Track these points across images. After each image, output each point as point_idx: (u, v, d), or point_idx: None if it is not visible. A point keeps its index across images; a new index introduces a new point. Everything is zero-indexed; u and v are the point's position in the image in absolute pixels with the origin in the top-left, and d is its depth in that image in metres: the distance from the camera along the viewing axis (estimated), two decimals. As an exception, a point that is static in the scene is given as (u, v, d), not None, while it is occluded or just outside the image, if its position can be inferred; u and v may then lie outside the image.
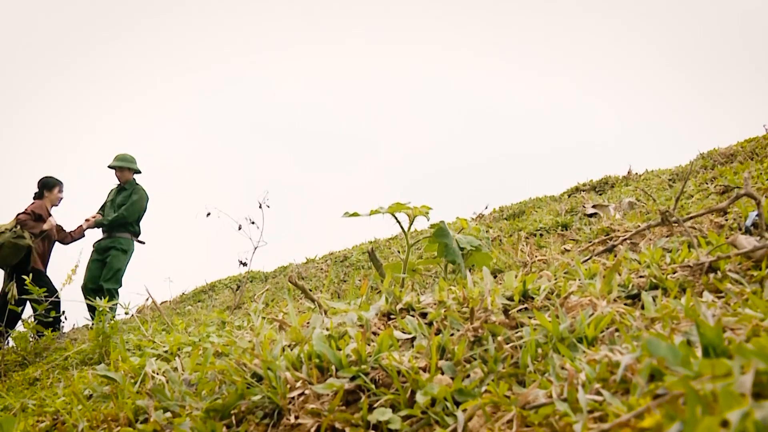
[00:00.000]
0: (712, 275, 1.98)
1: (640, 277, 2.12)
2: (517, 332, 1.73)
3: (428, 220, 3.39)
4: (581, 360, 1.39)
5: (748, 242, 2.12)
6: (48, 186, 9.89)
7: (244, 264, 9.31)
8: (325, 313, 2.32)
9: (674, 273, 2.09)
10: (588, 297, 1.85)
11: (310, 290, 3.58)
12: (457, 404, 1.40)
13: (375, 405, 1.48)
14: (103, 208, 10.27)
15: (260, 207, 10.22)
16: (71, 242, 10.13)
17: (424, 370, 1.57)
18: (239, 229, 9.83)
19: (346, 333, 1.86)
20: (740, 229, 2.70)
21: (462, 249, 3.26)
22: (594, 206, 5.58)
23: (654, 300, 1.85)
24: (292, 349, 1.82)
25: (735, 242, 2.17)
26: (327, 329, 1.90)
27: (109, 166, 10.32)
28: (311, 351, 1.69)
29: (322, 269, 6.84)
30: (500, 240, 5.22)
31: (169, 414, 1.77)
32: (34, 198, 9.93)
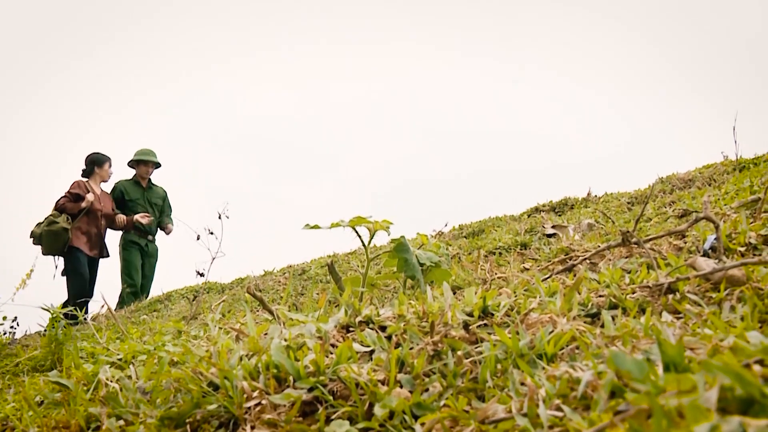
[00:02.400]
0: (671, 296, 1.99)
1: (600, 296, 2.13)
2: (476, 347, 1.72)
3: (389, 235, 3.38)
4: (541, 376, 1.39)
5: (707, 264, 2.14)
6: (99, 162, 9.82)
7: (202, 275, 9.22)
8: (284, 324, 2.30)
9: (633, 293, 2.10)
10: (548, 314, 1.85)
11: (268, 302, 3.56)
12: (416, 418, 1.39)
13: (332, 417, 1.47)
14: (121, 205, 10.11)
15: (219, 218, 10.15)
16: (116, 230, 10.05)
17: (383, 382, 1.55)
18: (197, 239, 9.73)
19: (304, 344, 1.85)
20: (699, 252, 2.72)
21: (422, 265, 3.26)
22: (553, 226, 5.60)
23: (613, 319, 1.85)
24: (249, 359, 1.79)
25: (694, 264, 2.19)
26: (285, 340, 1.88)
27: (143, 160, 10.23)
28: (269, 361, 1.67)
29: (280, 282, 6.80)
30: (459, 257, 5.22)
31: (122, 422, 1.73)
32: (82, 175, 9.85)
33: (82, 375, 2.33)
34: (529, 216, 7.27)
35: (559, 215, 6.85)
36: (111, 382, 2.09)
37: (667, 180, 6.60)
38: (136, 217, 9.84)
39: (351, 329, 2.06)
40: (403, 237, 3.27)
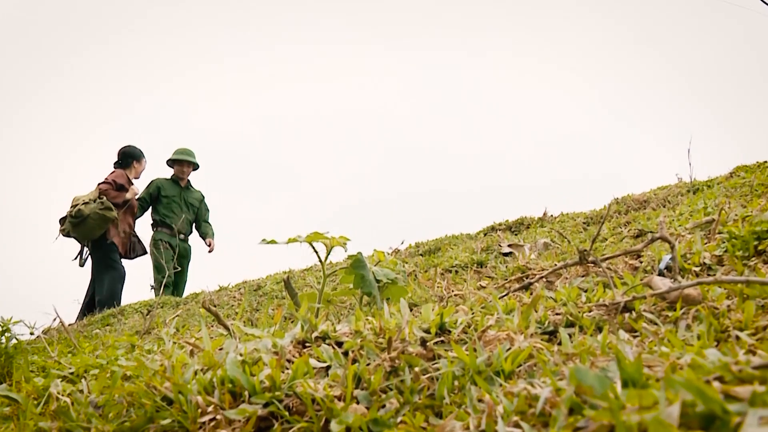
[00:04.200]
0: (627, 315, 2.01)
1: (557, 314, 2.13)
2: (434, 364, 1.71)
3: (346, 251, 3.36)
4: (499, 393, 1.38)
5: (663, 283, 2.15)
6: (136, 157, 9.46)
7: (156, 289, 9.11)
8: (239, 339, 2.28)
9: (590, 311, 2.10)
10: (505, 331, 1.84)
11: (223, 317, 3.51)
12: (373, 434, 1.37)
13: (288, 432, 1.45)
14: (150, 201, 9.84)
15: (175, 232, 10.07)
16: None
17: (339, 398, 1.54)
18: (152, 254, 9.64)
19: (260, 359, 1.82)
20: (654, 272, 2.74)
21: (378, 281, 3.24)
22: (509, 245, 5.62)
23: (570, 337, 1.85)
24: (204, 374, 1.77)
25: (650, 283, 2.21)
26: (241, 355, 1.86)
27: (178, 160, 9.99)
28: (224, 376, 1.65)
29: (235, 297, 6.73)
30: (416, 275, 5.22)
31: (72, 436, 1.70)
32: (116, 167, 9.41)
33: (33, 389, 2.29)
34: (485, 235, 7.29)
35: (516, 234, 6.87)
36: (62, 396, 2.05)
37: (622, 201, 6.66)
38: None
39: (307, 345, 2.04)
40: (359, 253, 3.25)
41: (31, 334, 4.17)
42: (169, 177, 10.16)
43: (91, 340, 4.37)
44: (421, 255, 6.89)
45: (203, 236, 10.33)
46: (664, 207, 5.83)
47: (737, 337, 1.61)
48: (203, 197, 10.46)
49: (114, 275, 8.96)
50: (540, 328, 2.01)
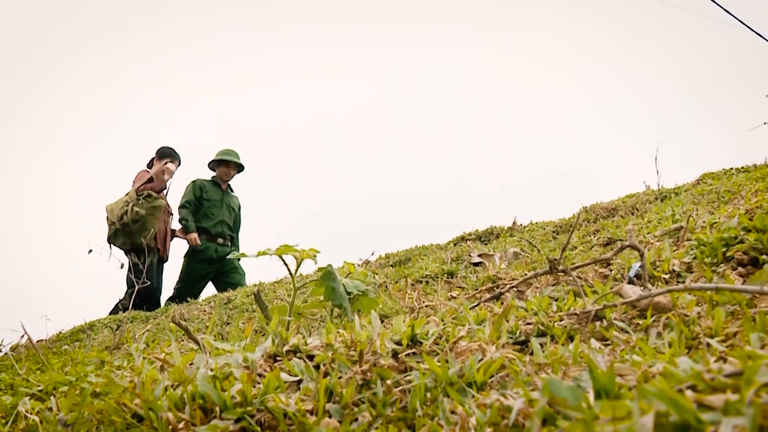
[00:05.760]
0: (598, 323, 2.01)
1: (528, 324, 2.13)
2: (406, 376, 1.70)
3: (316, 264, 3.35)
4: (471, 404, 1.38)
5: (633, 291, 2.16)
6: (160, 155, 9.13)
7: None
8: (209, 353, 2.26)
9: (561, 321, 2.11)
10: (477, 342, 1.84)
11: (194, 332, 3.47)
12: (345, 448, 1.36)
13: (260, 448, 1.44)
14: (196, 203, 9.32)
15: (143, 246, 9.98)
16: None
17: (312, 412, 1.52)
18: (121, 267, 9.52)
19: (231, 374, 1.81)
20: (624, 280, 2.75)
21: (349, 293, 3.23)
22: (479, 255, 5.62)
23: (542, 346, 1.85)
24: (174, 389, 1.75)
25: (621, 291, 2.21)
26: (211, 370, 1.84)
27: (224, 161, 9.50)
28: (195, 391, 1.63)
29: (205, 311, 6.68)
30: (386, 286, 5.21)
31: (39, 456, 1.68)
32: (147, 165, 9.15)
33: (0, 407, 2.25)
34: (455, 245, 7.30)
35: (485, 244, 6.89)
36: (31, 414, 2.02)
37: (590, 209, 6.71)
38: (182, 234, 9.22)
39: (278, 359, 2.03)
40: (329, 265, 3.24)
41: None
42: (209, 179, 9.72)
43: (60, 357, 4.32)
44: (391, 266, 6.89)
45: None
46: (632, 215, 5.88)
47: (708, 345, 1.61)
48: (240, 205, 10.05)
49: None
50: (511, 338, 2.01)
